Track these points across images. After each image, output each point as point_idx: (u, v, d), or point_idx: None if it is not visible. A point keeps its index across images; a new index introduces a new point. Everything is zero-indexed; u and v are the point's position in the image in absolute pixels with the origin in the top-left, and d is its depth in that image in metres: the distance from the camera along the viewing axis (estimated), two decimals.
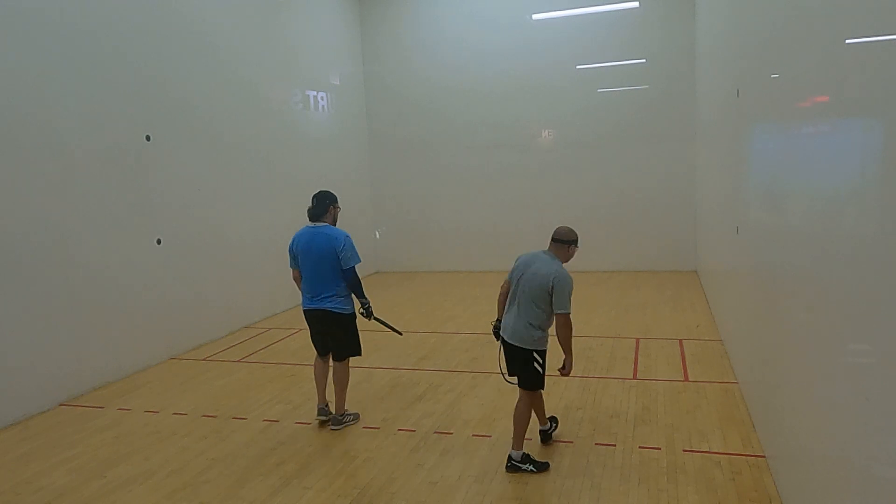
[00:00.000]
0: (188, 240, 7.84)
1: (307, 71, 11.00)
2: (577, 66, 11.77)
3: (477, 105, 12.32)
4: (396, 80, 12.79)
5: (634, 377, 6.03)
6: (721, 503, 3.74)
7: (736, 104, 5.50)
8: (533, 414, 4.47)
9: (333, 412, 5.19)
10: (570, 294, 4.12)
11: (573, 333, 4.20)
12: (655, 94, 11.39)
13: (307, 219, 5.16)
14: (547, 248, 4.37)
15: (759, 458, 4.23)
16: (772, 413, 4.10)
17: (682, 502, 3.77)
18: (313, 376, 5.35)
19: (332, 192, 5.23)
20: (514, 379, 4.41)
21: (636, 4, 11.32)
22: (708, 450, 4.42)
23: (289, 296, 9.00)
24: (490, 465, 4.38)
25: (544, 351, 4.27)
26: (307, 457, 4.68)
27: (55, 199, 6.11)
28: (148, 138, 7.25)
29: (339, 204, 5.26)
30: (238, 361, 7.24)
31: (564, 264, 4.28)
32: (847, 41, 2.45)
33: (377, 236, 13.36)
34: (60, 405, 6.06)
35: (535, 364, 4.24)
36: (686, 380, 5.89)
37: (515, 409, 4.33)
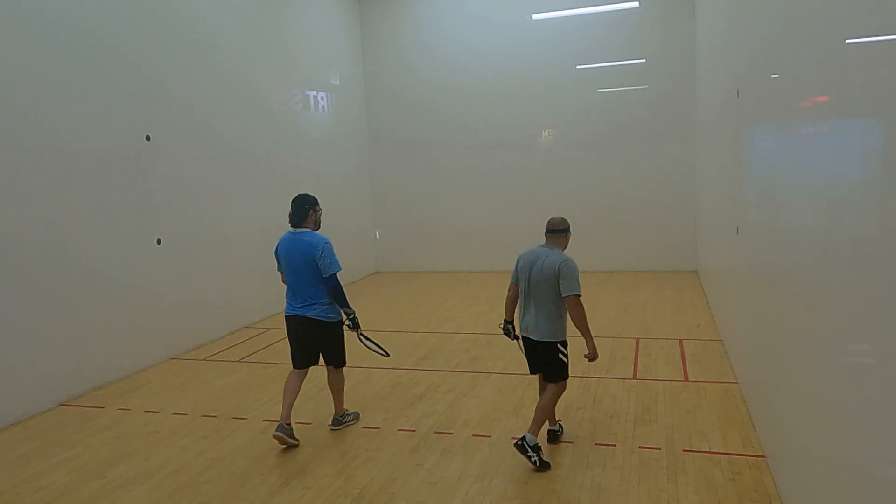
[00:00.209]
0: (188, 240, 7.84)
1: (307, 71, 11.00)
2: (577, 66, 11.77)
3: (477, 105, 12.32)
4: (396, 80, 12.79)
5: (634, 377, 6.03)
6: (721, 503, 3.74)
7: (736, 104, 5.50)
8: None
9: (333, 415, 5.15)
10: (577, 277, 4.26)
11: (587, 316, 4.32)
12: (655, 94, 11.39)
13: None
14: (543, 242, 4.50)
15: (759, 458, 4.23)
16: (772, 413, 4.10)
17: (682, 502, 3.77)
18: (283, 389, 4.96)
19: (312, 194, 5.01)
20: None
21: (636, 4, 11.32)
22: (708, 450, 4.42)
23: None
24: (490, 465, 4.38)
25: (566, 341, 4.41)
26: (307, 457, 4.68)
27: (55, 199, 6.11)
28: (148, 138, 7.25)
29: (321, 205, 5.04)
30: (238, 361, 7.24)
31: (563, 252, 4.46)
32: (847, 41, 2.45)
33: (377, 236, 13.36)
34: (60, 405, 6.06)
35: (560, 355, 4.38)
36: (686, 380, 5.89)
37: (542, 398, 4.43)
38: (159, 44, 7.50)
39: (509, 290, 4.61)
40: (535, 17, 11.80)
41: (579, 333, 4.37)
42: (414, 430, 5.03)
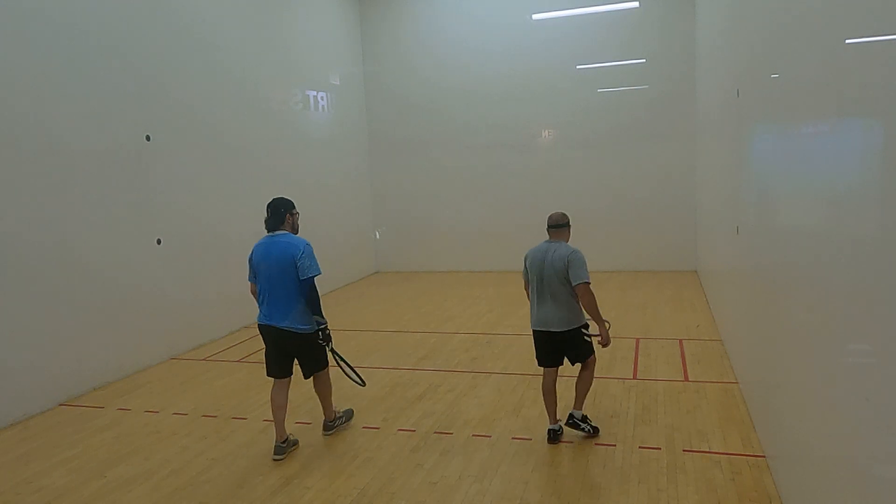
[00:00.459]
0: (188, 240, 7.84)
1: (307, 71, 11.00)
2: (577, 66, 11.77)
3: (477, 105, 12.32)
4: (396, 80, 12.79)
5: (634, 377, 6.03)
6: (721, 503, 3.74)
7: (736, 104, 5.50)
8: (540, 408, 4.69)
9: (324, 420, 5.02)
10: (585, 265, 4.49)
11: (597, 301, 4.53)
12: (655, 94, 11.39)
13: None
14: (547, 238, 4.70)
15: (759, 458, 4.22)
16: (772, 413, 4.10)
17: (682, 502, 3.77)
18: (271, 407, 4.78)
19: (289, 198, 4.77)
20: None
21: (636, 4, 11.32)
22: (708, 450, 4.42)
23: None
24: (490, 465, 4.38)
25: (587, 324, 4.67)
26: (307, 457, 4.68)
27: (55, 199, 6.11)
28: (148, 138, 7.25)
29: (297, 209, 4.83)
30: (238, 361, 7.24)
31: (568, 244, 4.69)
32: (847, 41, 2.45)
33: (377, 236, 13.36)
34: (60, 405, 6.06)
35: (584, 337, 4.64)
36: (686, 380, 5.89)
37: (579, 378, 4.73)
38: (159, 44, 7.50)
39: (525, 289, 4.85)
40: (535, 17, 11.80)
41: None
42: (414, 430, 5.03)
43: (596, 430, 4.72)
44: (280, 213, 4.70)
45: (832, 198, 2.72)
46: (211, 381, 6.56)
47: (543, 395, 4.73)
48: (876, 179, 2.19)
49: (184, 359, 7.47)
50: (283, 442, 4.70)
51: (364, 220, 13.01)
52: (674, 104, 11.25)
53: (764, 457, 4.23)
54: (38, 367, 5.89)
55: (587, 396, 4.83)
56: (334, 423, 5.01)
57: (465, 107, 12.40)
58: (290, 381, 4.82)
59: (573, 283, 4.45)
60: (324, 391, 4.92)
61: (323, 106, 11.41)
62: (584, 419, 4.74)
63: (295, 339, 4.62)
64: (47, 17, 6.09)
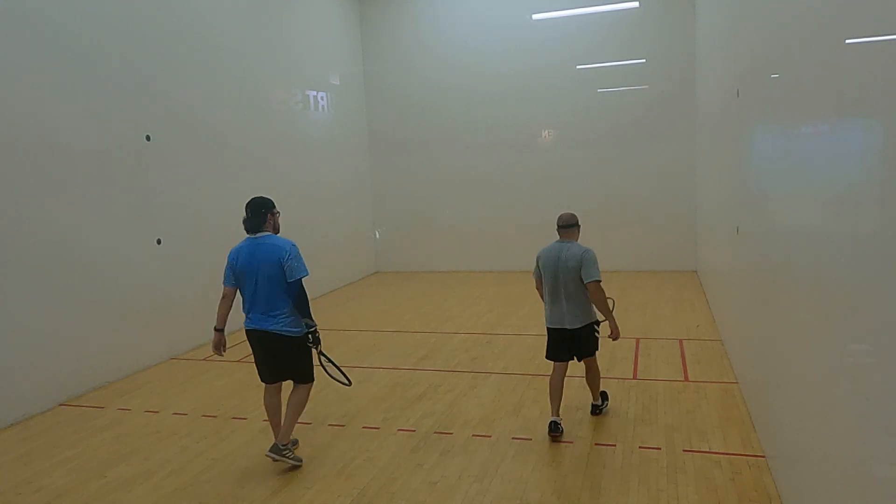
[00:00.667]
0: (188, 240, 7.84)
1: (307, 71, 11.00)
2: (577, 66, 11.77)
3: (477, 105, 12.32)
4: (396, 80, 12.79)
5: (634, 377, 6.03)
6: (721, 503, 3.74)
7: (736, 104, 5.50)
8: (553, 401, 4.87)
9: (274, 441, 4.51)
10: (596, 263, 4.73)
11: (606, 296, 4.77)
12: (655, 94, 11.39)
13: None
14: (557, 239, 4.87)
15: (759, 458, 4.22)
16: (772, 413, 4.10)
17: (682, 502, 3.77)
18: (265, 412, 4.66)
19: (269, 197, 4.55)
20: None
21: (636, 4, 11.32)
22: (708, 450, 4.42)
23: None
24: (490, 465, 4.38)
25: (598, 321, 4.93)
26: (307, 457, 4.67)
27: (55, 199, 6.11)
28: (148, 138, 7.25)
29: (278, 208, 4.61)
30: (238, 361, 7.24)
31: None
32: (847, 41, 2.45)
33: (377, 236, 13.36)
34: (60, 405, 6.06)
35: (595, 333, 4.89)
36: (686, 380, 5.89)
37: (588, 374, 5.02)
38: (159, 44, 7.50)
39: (537, 289, 5.05)
40: (535, 17, 11.80)
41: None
42: (414, 430, 5.03)
43: (607, 397, 5.25)
44: (261, 214, 4.48)
45: (832, 198, 2.72)
46: (211, 381, 6.56)
47: (550, 388, 4.86)
48: (876, 179, 2.19)
49: (184, 359, 7.47)
50: (283, 444, 4.68)
51: (364, 220, 13.01)
52: (674, 104, 11.25)
53: (764, 457, 4.23)
54: (38, 367, 5.89)
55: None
56: (284, 450, 4.43)
57: (465, 107, 12.40)
58: (281, 385, 4.70)
59: (585, 281, 4.67)
60: (299, 405, 4.55)
61: (323, 106, 11.41)
62: (603, 399, 5.17)
63: (283, 344, 4.44)
64: (47, 17, 6.09)
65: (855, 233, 2.39)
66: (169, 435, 5.21)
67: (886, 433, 2.05)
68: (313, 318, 4.53)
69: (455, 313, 9.14)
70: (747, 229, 5.01)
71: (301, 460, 4.51)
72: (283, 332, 4.41)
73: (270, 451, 4.42)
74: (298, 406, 4.56)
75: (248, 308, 4.49)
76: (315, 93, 11.14)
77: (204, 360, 7.39)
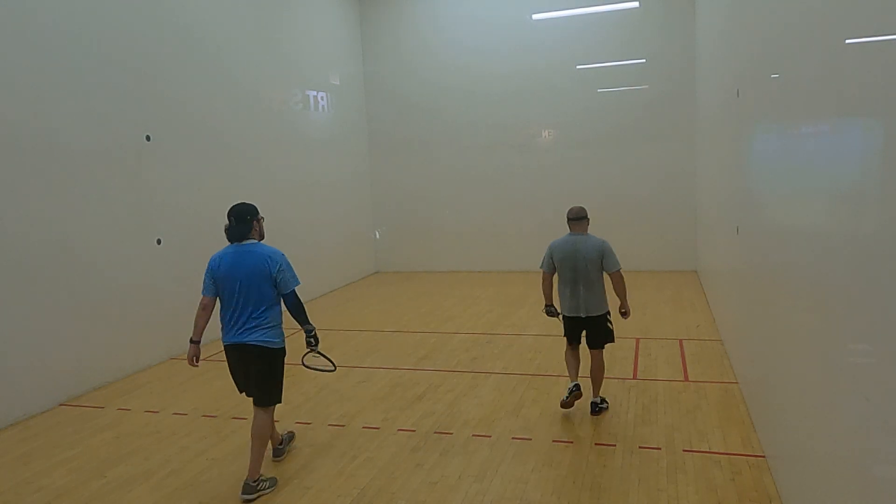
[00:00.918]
0: (188, 240, 7.84)
1: (307, 71, 11.00)
2: (577, 66, 11.77)
3: (477, 105, 12.32)
4: (396, 80, 12.78)
5: (634, 377, 6.03)
6: (721, 503, 3.74)
7: (736, 104, 5.50)
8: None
9: (245, 479, 4.15)
10: (615, 253, 5.00)
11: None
12: (655, 94, 11.39)
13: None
14: (569, 232, 5.09)
15: (759, 458, 4.22)
16: (772, 413, 4.10)
17: (682, 502, 3.77)
18: (250, 438, 4.27)
19: (252, 203, 4.37)
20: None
21: (636, 4, 11.32)
22: (708, 450, 4.42)
23: None
24: (490, 465, 4.38)
25: (609, 311, 5.13)
26: (307, 457, 4.68)
27: (55, 199, 6.11)
28: (148, 138, 7.25)
29: (262, 213, 4.42)
30: None
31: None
32: (847, 41, 2.45)
33: (377, 236, 13.36)
34: (60, 405, 6.05)
35: (609, 323, 5.12)
36: (686, 380, 5.89)
37: (593, 366, 5.14)
38: (159, 44, 7.50)
39: (544, 280, 5.21)
40: (535, 17, 11.80)
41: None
42: (414, 430, 5.03)
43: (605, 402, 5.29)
44: (247, 221, 4.26)
45: (832, 198, 2.72)
46: (211, 381, 6.55)
47: (567, 360, 5.19)
48: (875, 179, 2.19)
49: (184, 359, 7.44)
50: (280, 444, 4.70)
51: (364, 220, 13.00)
52: (674, 104, 11.25)
53: (764, 457, 4.23)
54: (38, 367, 5.89)
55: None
56: (257, 486, 4.12)
57: (465, 107, 12.40)
58: None
59: (609, 271, 4.95)
60: (263, 433, 4.24)
61: (323, 106, 11.41)
62: (603, 401, 5.25)
63: (260, 355, 4.19)
64: (47, 18, 6.09)
65: (855, 233, 2.39)
66: (169, 435, 5.21)
67: (886, 433, 2.05)
68: (311, 323, 4.42)
69: (455, 313, 9.14)
70: (747, 229, 5.01)
71: (275, 481, 4.26)
72: (258, 344, 4.17)
73: (243, 493, 4.07)
74: (263, 437, 4.23)
75: (227, 320, 4.26)
76: (315, 93, 11.13)
77: (204, 360, 7.37)
